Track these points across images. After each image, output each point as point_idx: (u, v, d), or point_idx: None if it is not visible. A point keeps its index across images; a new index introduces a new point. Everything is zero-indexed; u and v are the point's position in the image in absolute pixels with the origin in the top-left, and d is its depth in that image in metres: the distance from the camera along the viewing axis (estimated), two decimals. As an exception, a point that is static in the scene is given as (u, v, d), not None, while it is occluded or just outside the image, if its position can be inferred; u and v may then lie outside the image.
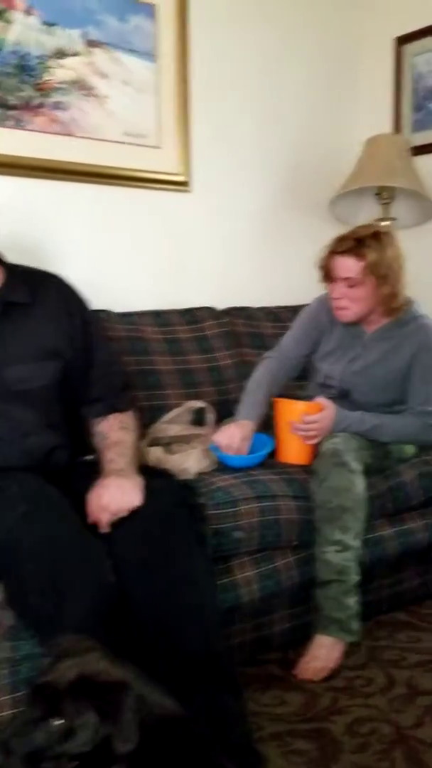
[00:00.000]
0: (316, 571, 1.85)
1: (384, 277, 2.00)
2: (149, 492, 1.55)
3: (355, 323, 2.12)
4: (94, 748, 1.08)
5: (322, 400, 2.02)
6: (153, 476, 1.64)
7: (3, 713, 1.48)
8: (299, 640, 1.90)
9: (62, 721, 1.05)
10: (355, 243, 2.00)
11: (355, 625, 1.83)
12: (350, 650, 1.87)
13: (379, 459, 2.02)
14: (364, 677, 1.78)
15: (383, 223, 2.36)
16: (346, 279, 2.01)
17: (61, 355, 1.69)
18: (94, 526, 1.51)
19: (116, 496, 1.52)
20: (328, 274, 2.08)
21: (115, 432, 1.73)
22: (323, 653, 1.80)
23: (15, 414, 1.62)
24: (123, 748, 1.06)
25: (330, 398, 2.06)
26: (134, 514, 1.51)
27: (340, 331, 2.17)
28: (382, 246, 2.00)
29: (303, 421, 1.98)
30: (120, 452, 1.68)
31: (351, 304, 2.05)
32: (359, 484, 1.87)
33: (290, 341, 2.25)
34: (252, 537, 1.78)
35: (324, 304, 2.19)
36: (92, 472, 1.63)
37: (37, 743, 1.05)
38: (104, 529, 1.51)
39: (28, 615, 1.40)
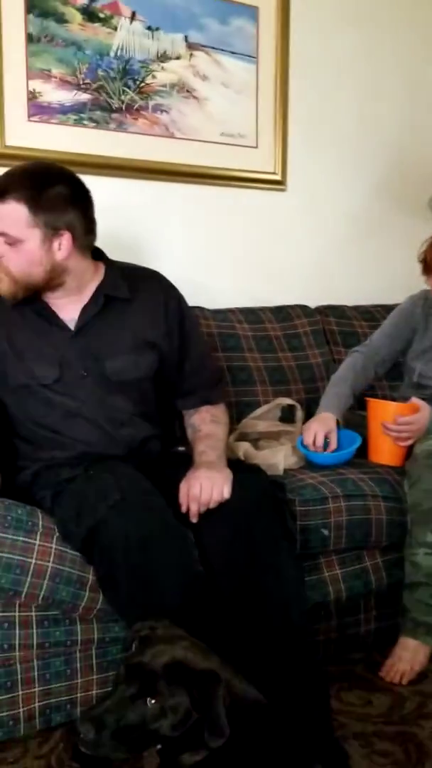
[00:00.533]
0: (405, 574, 1.82)
1: None
2: (238, 485, 1.58)
3: None
4: (181, 735, 1.11)
5: (417, 401, 1.99)
6: (242, 470, 1.67)
7: (92, 692, 1.54)
8: (385, 642, 1.87)
9: (156, 702, 1.09)
10: None
11: None
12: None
13: None
14: (454, 683, 1.74)
15: None
16: None
17: (157, 348, 1.74)
18: (184, 516, 1.55)
19: (207, 487, 1.55)
20: (428, 266, 2.08)
21: (206, 424, 1.77)
22: (409, 656, 1.78)
23: (112, 404, 1.68)
24: (214, 743, 1.08)
25: (425, 399, 2.02)
26: (223, 506, 1.54)
27: (429, 331, 2.14)
28: None
29: (396, 422, 1.96)
30: (211, 444, 1.71)
31: None
32: None
33: (380, 337, 2.24)
34: (339, 536, 1.78)
35: (418, 301, 2.18)
36: (183, 462, 1.67)
37: (130, 720, 1.09)
38: (194, 518, 1.55)
39: (118, 601, 1.45)
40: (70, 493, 1.52)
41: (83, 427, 1.66)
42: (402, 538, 1.86)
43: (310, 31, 2.68)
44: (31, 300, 1.66)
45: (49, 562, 1.44)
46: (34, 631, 1.47)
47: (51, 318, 1.68)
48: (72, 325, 1.68)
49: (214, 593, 1.47)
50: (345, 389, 2.12)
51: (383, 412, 2.01)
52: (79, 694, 1.54)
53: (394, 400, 2.17)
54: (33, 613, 1.47)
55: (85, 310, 1.68)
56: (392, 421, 1.97)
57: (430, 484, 1.82)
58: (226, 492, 1.55)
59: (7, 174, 1.61)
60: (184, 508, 1.56)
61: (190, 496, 1.55)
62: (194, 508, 1.55)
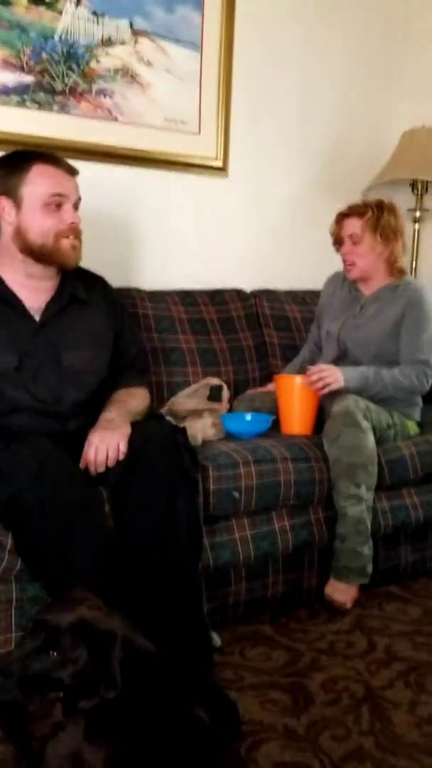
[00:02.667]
0: (337, 525, 2.04)
1: (385, 237, 2.30)
2: (139, 431, 1.74)
3: (357, 287, 2.42)
4: (80, 684, 1.25)
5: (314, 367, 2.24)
6: (148, 420, 1.85)
7: (11, 647, 1.67)
8: (291, 603, 2.06)
9: (58, 654, 1.23)
10: (360, 205, 2.36)
11: (369, 568, 2.05)
12: (337, 616, 2.02)
13: (382, 428, 2.16)
14: (347, 641, 1.91)
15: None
16: (351, 236, 2.33)
17: (109, 348, 1.92)
18: (97, 479, 1.70)
19: (101, 449, 1.70)
20: (337, 239, 2.40)
21: (119, 395, 1.92)
22: (343, 593, 2.04)
23: (64, 395, 1.82)
24: (108, 694, 1.22)
25: (328, 361, 2.35)
26: (128, 448, 1.70)
27: (344, 294, 2.45)
28: (383, 211, 2.32)
29: (312, 372, 2.17)
30: (116, 407, 1.86)
31: (357, 259, 2.34)
32: (369, 441, 2.06)
33: (314, 328, 2.58)
34: (250, 498, 1.93)
35: (330, 280, 2.53)
36: None
37: (34, 669, 1.23)
38: (93, 475, 1.71)
39: (35, 564, 1.58)
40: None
41: (28, 419, 1.77)
42: (309, 497, 2.04)
43: (254, 22, 2.76)
44: None
45: (-31, 527, 1.57)
46: None
47: (17, 306, 1.80)
48: (37, 316, 1.81)
49: (121, 544, 1.63)
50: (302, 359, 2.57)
51: (289, 385, 2.22)
52: (-2, 650, 1.66)
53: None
54: None
55: (50, 304, 1.83)
56: (298, 391, 2.21)
57: (348, 440, 2.03)
58: (122, 448, 1.70)
59: None
60: (83, 467, 1.71)
61: (87, 460, 1.70)
62: (91, 470, 1.71)
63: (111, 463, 1.69)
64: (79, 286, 1.90)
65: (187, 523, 1.69)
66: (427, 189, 2.86)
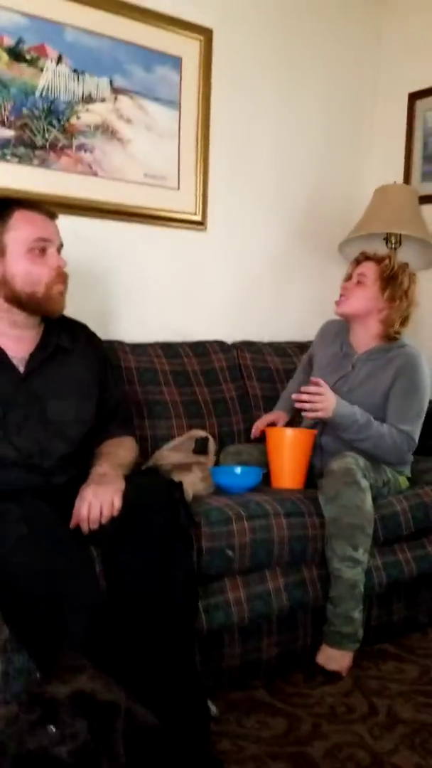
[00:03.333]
0: (330, 587, 1.97)
1: (390, 295, 2.25)
2: (133, 486, 1.68)
3: (349, 343, 2.35)
4: (80, 761, 1.17)
5: (316, 380, 2.17)
6: (139, 474, 1.81)
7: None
8: (286, 667, 1.99)
9: (57, 729, 1.14)
10: (385, 256, 2.34)
11: (361, 632, 1.99)
12: (335, 678, 1.95)
13: (378, 486, 2.11)
14: (347, 705, 1.84)
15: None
16: (360, 275, 2.30)
17: (94, 397, 1.87)
18: (89, 537, 1.62)
19: (95, 506, 1.63)
20: (348, 276, 2.37)
21: (107, 447, 1.87)
22: (336, 660, 1.96)
23: (51, 448, 1.75)
24: None
25: (315, 424, 2.28)
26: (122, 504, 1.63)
27: (335, 350, 2.36)
28: (403, 272, 2.28)
29: (306, 389, 2.12)
30: (107, 460, 1.80)
31: (352, 296, 2.29)
32: (368, 501, 2.00)
33: (299, 371, 2.54)
34: (243, 555, 1.86)
35: (323, 330, 2.46)
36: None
37: (30, 746, 1.13)
38: (86, 532, 1.63)
39: (22, 632, 1.49)
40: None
41: (13, 474, 1.71)
42: (302, 555, 1.98)
43: (231, 82, 2.83)
44: None
45: None
46: None
47: (2, 359, 1.74)
48: (21, 367, 1.76)
49: (115, 606, 1.54)
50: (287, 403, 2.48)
51: (280, 437, 2.19)
52: (-17, 725, 1.56)
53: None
54: None
55: (35, 354, 1.78)
56: (289, 445, 2.16)
57: (348, 500, 1.96)
58: (116, 504, 1.63)
59: None
60: (73, 526, 1.63)
61: (80, 518, 1.63)
62: (84, 528, 1.63)
63: (105, 520, 1.62)
64: (63, 335, 1.86)
65: (184, 584, 1.63)
66: (400, 242, 2.91)
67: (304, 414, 2.20)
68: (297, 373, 2.58)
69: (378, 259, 2.31)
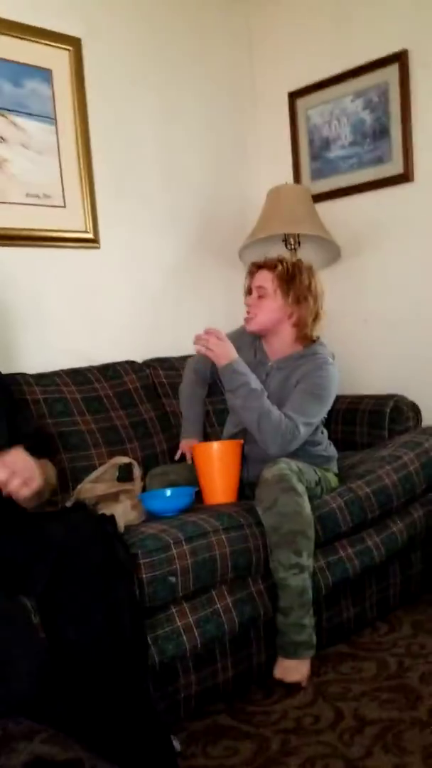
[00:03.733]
0: (278, 598, 1.91)
1: (294, 298, 2.17)
2: (65, 524, 1.58)
3: (263, 350, 2.27)
4: None
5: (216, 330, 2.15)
6: (69, 510, 1.70)
7: None
8: (245, 687, 1.92)
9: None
10: (274, 260, 2.22)
11: (314, 638, 1.94)
12: (296, 690, 1.90)
13: (311, 487, 2.08)
14: (313, 714, 1.79)
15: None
16: (258, 287, 2.21)
17: (2, 422, 1.75)
18: (16, 586, 1.49)
19: (21, 457, 1.55)
20: (248, 290, 2.27)
21: None
22: (294, 670, 1.91)
23: None
24: None
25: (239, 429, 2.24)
26: (52, 547, 1.51)
27: (248, 358, 2.25)
28: (298, 270, 2.20)
29: (209, 330, 2.11)
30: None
31: (258, 312, 2.22)
32: (306, 505, 1.95)
33: (202, 358, 2.35)
34: (187, 579, 1.77)
35: (236, 335, 2.31)
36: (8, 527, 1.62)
37: None
38: None
39: None
40: None
41: None
42: (246, 568, 1.91)
43: (106, 91, 2.74)
44: None
45: None
46: None
47: None
48: None
49: (58, 656, 1.43)
50: (197, 408, 2.48)
51: (208, 451, 2.14)
52: None
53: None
54: None
55: None
56: (218, 458, 2.11)
57: (286, 506, 1.91)
58: (34, 484, 1.54)
59: None
60: None
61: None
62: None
63: (12, 487, 1.50)
64: None
65: (130, 622, 1.53)
66: (299, 242, 2.91)
67: (197, 350, 2.13)
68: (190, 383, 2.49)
69: (270, 266, 2.21)
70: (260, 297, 2.21)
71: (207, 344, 2.10)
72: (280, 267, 2.19)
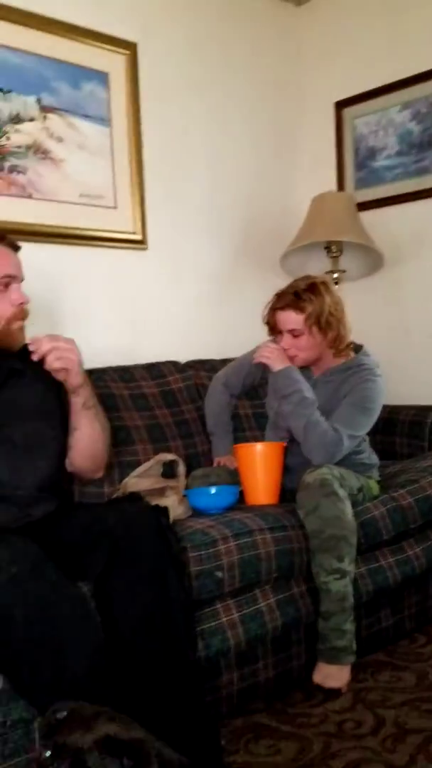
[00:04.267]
0: (320, 602, 1.91)
1: (327, 324, 2.14)
2: (119, 513, 1.61)
3: (305, 366, 2.24)
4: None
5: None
6: (122, 500, 1.75)
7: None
8: (284, 687, 1.92)
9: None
10: (293, 297, 2.14)
11: (355, 645, 1.93)
12: (335, 695, 1.89)
13: (354, 494, 2.08)
14: (354, 720, 1.78)
15: (321, 273, 2.44)
16: (291, 330, 2.16)
17: (57, 413, 1.78)
18: (75, 572, 1.51)
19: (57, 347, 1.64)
20: (273, 328, 2.22)
21: None
22: (335, 676, 1.90)
23: (23, 476, 1.65)
24: None
25: (281, 439, 2.22)
26: (108, 535, 1.54)
27: None
28: (319, 296, 2.13)
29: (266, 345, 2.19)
30: None
31: (299, 352, 2.19)
32: (348, 511, 1.95)
33: (234, 368, 2.46)
34: (233, 575, 1.78)
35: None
36: (71, 521, 1.66)
37: None
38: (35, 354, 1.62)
39: (21, 679, 1.36)
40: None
41: None
42: (289, 568, 1.92)
43: (159, 96, 2.79)
44: None
45: None
46: None
47: None
48: None
49: (112, 643, 1.45)
50: (227, 427, 2.46)
51: (251, 453, 2.13)
52: (-20, 791, 1.42)
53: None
54: None
55: None
56: (261, 459, 2.11)
57: (327, 511, 1.91)
58: (70, 362, 1.67)
59: None
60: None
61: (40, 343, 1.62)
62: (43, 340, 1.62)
63: (56, 354, 1.62)
64: (12, 358, 1.76)
65: (181, 614, 1.54)
66: (341, 251, 2.92)
67: (256, 358, 2.20)
68: (236, 369, 2.47)
69: (296, 306, 2.12)
70: (295, 337, 2.16)
71: (264, 351, 2.14)
72: (309, 306, 2.11)
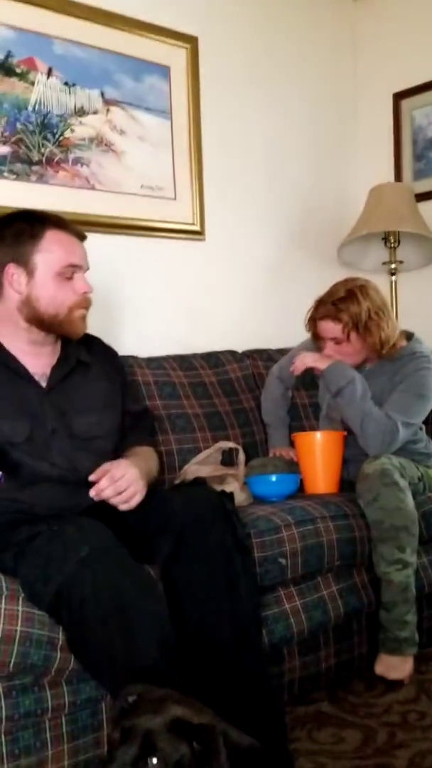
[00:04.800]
0: (381, 592, 1.90)
1: (366, 329, 2.11)
2: (186, 498, 1.62)
3: None
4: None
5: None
6: (187, 484, 1.76)
7: (63, 763, 1.45)
8: (345, 677, 1.92)
9: (158, 761, 1.05)
10: (331, 307, 2.13)
11: (416, 636, 1.90)
12: (397, 686, 1.88)
13: (415, 483, 2.06)
14: (417, 711, 1.76)
15: (359, 276, 2.31)
16: (332, 339, 2.16)
17: (117, 408, 1.81)
18: (142, 555, 1.53)
19: (129, 478, 1.57)
20: (316, 335, 2.22)
21: (130, 450, 1.80)
22: (396, 668, 1.88)
23: (79, 464, 1.66)
24: None
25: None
26: (173, 519, 1.56)
27: None
28: (357, 303, 2.11)
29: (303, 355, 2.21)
30: (134, 454, 1.75)
31: (344, 358, 2.18)
32: (409, 501, 1.93)
33: (287, 363, 2.43)
34: (296, 562, 1.79)
35: (311, 346, 2.33)
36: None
37: None
38: (95, 495, 1.56)
39: (91, 660, 1.38)
40: (34, 551, 1.45)
41: (48, 491, 1.61)
42: (352, 558, 1.92)
43: (219, 89, 2.80)
44: None
45: (17, 626, 1.36)
46: (2, 703, 1.37)
47: (21, 372, 1.65)
48: (43, 382, 1.68)
49: (179, 626, 1.46)
50: (284, 422, 2.47)
51: (311, 441, 2.14)
52: (50, 767, 1.44)
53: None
54: (0, 684, 1.37)
55: (55, 369, 1.71)
56: (321, 448, 2.12)
57: (387, 501, 1.90)
58: (135, 500, 1.58)
59: None
60: (94, 478, 1.57)
61: (110, 475, 1.56)
62: (104, 486, 1.55)
63: (123, 498, 1.56)
64: (81, 349, 1.79)
65: (248, 599, 1.54)
66: (399, 242, 2.90)
67: (294, 371, 2.23)
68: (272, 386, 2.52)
69: (333, 316, 2.11)
70: (338, 344, 2.16)
71: (300, 362, 2.17)
72: (346, 315, 2.09)
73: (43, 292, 1.65)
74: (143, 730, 1.08)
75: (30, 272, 1.64)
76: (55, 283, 1.66)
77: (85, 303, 1.73)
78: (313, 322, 2.20)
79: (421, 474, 2.15)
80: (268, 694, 1.51)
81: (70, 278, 1.68)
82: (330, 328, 2.15)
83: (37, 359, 1.71)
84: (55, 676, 1.41)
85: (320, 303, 2.18)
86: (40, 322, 1.67)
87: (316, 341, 2.25)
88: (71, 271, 1.68)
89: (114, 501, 1.57)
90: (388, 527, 1.90)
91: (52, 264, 1.65)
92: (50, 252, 1.65)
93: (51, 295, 1.65)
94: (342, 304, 2.11)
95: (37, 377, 1.69)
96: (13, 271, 1.64)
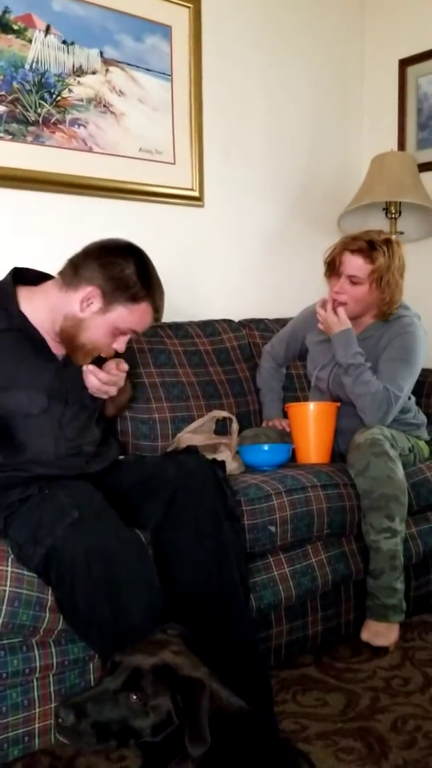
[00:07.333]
0: (370, 560, 1.92)
1: (387, 283, 2.10)
2: (177, 464, 1.64)
3: None
4: (161, 741, 1.09)
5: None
6: (179, 452, 1.78)
7: (50, 721, 1.48)
8: (331, 643, 1.94)
9: (138, 698, 1.07)
10: (367, 245, 2.09)
11: (404, 604, 1.92)
12: (382, 653, 1.91)
13: (406, 454, 2.07)
14: (402, 677, 1.79)
15: (393, 235, 2.40)
16: (351, 276, 2.11)
17: None
18: (133, 520, 1.55)
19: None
20: (334, 269, 2.16)
21: None
22: (383, 635, 1.90)
23: (88, 435, 1.70)
24: (194, 751, 1.06)
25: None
26: (165, 484, 1.59)
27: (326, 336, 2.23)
28: (392, 254, 2.10)
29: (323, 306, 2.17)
30: None
31: (349, 300, 2.14)
32: (399, 471, 1.94)
33: (279, 342, 2.50)
34: (285, 530, 1.81)
35: (309, 316, 2.34)
36: (124, 470, 1.72)
37: (111, 713, 1.07)
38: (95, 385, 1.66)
39: (79, 621, 1.41)
40: (25, 513, 1.46)
41: (60, 461, 1.63)
42: (341, 526, 1.94)
43: (221, 51, 2.74)
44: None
45: (6, 586, 1.38)
46: (-9, 661, 1.40)
47: (42, 344, 1.65)
48: (60, 356, 1.69)
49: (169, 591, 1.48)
50: (277, 393, 2.49)
51: (303, 412, 2.14)
52: (37, 725, 1.47)
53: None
54: (-11, 643, 1.40)
55: None
56: (314, 418, 2.13)
57: (378, 471, 1.91)
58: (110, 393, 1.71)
59: None
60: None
61: (119, 364, 1.70)
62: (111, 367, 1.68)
63: (100, 388, 1.67)
64: None
65: (237, 565, 1.56)
66: (400, 212, 2.87)
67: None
68: (283, 343, 2.48)
69: (367, 255, 2.07)
70: (353, 284, 2.12)
71: (325, 318, 2.15)
72: (380, 259, 2.07)
73: (95, 330, 1.64)
74: (131, 666, 1.10)
75: (103, 311, 1.63)
76: (107, 332, 1.65)
77: (107, 354, 1.72)
78: (341, 252, 2.13)
79: (412, 445, 2.16)
80: (254, 658, 1.53)
81: (116, 335, 1.67)
82: (358, 265, 2.09)
83: (54, 342, 1.71)
84: (43, 636, 1.43)
85: (356, 238, 2.12)
86: (67, 338, 1.65)
87: (328, 275, 2.20)
88: (124, 332, 1.67)
89: (98, 387, 1.66)
90: (377, 496, 1.91)
91: (121, 322, 1.64)
92: (131, 315, 1.64)
93: (96, 337, 1.65)
94: (379, 247, 2.08)
95: (56, 351, 1.69)
96: (93, 297, 1.62)
